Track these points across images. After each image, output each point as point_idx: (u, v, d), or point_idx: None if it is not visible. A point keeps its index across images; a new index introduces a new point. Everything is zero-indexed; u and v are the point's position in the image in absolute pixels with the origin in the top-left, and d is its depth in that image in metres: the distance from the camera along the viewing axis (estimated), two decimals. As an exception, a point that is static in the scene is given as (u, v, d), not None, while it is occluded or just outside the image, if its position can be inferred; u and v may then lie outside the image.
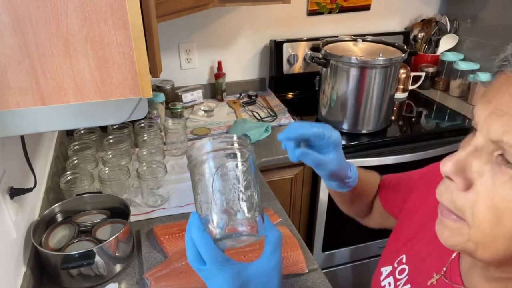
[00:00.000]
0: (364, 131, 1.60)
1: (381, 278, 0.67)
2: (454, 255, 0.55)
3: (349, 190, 0.73)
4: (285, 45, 1.89)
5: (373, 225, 0.85)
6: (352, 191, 0.73)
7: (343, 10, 2.00)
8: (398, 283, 0.62)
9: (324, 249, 1.75)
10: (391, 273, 0.65)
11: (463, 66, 1.91)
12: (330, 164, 0.65)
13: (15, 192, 0.86)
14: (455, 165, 0.40)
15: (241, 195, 0.49)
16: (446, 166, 0.40)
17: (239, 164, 0.50)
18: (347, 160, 0.69)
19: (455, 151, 0.42)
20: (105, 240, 0.90)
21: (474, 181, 0.40)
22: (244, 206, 0.49)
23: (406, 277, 0.61)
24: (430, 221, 0.62)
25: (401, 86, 1.92)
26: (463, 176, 0.40)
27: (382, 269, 0.68)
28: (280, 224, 1.12)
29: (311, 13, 1.97)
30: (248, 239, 0.50)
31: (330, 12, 1.99)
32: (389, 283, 0.64)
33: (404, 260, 0.64)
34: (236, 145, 0.51)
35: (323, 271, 1.02)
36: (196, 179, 0.51)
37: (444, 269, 0.55)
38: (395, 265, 0.65)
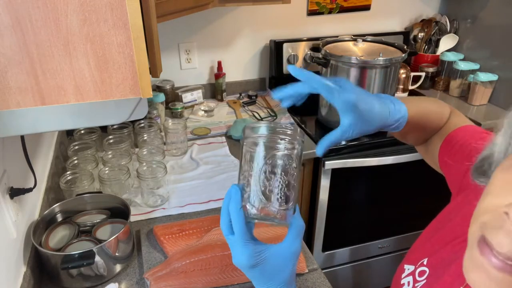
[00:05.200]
0: (364, 131, 1.60)
1: (402, 275, 0.66)
2: None
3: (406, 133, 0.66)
4: (285, 45, 1.89)
5: (422, 154, 0.79)
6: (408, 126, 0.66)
7: (343, 10, 2.00)
8: (416, 285, 0.62)
9: (324, 249, 1.75)
10: (412, 273, 0.64)
11: (463, 66, 1.91)
12: (352, 134, 0.58)
13: (15, 192, 0.86)
14: None
15: (283, 185, 0.52)
16: None
17: (289, 157, 0.53)
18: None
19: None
20: (105, 240, 0.90)
21: None
22: (283, 196, 0.52)
23: (425, 281, 0.60)
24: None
25: (401, 86, 1.92)
26: None
27: (405, 267, 0.67)
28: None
29: (311, 13, 1.97)
30: (275, 223, 0.55)
31: (330, 12, 1.99)
32: (408, 282, 0.63)
33: (425, 263, 0.63)
34: (290, 136, 0.53)
35: (323, 271, 1.02)
36: (246, 156, 0.54)
37: None
38: (417, 265, 0.64)
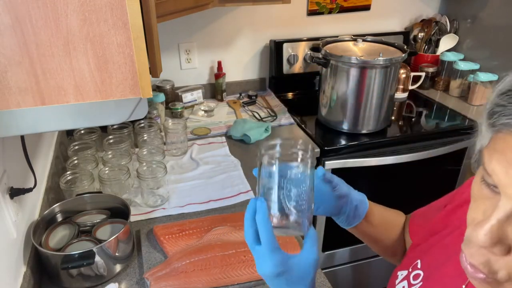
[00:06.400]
0: (364, 131, 1.60)
1: (397, 281, 0.66)
2: None
3: (371, 227, 0.76)
4: (285, 45, 1.89)
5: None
6: (374, 227, 0.77)
7: (343, 10, 2.00)
8: None
9: (324, 249, 1.75)
10: (406, 277, 0.65)
11: (463, 66, 1.91)
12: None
13: (15, 192, 0.86)
14: (491, 237, 0.38)
15: (300, 196, 0.56)
16: (482, 238, 0.38)
17: (303, 171, 0.57)
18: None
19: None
20: (105, 240, 0.90)
21: None
22: (300, 207, 0.56)
23: (421, 283, 0.61)
24: (448, 229, 0.62)
25: (401, 86, 1.92)
26: (501, 244, 0.38)
27: (399, 273, 0.67)
28: (280, 224, 1.12)
29: (311, 13, 1.97)
30: (294, 233, 0.58)
31: (330, 12, 1.99)
32: (403, 287, 0.64)
33: (419, 266, 0.63)
34: (303, 151, 0.57)
35: (323, 271, 1.02)
36: (264, 171, 0.58)
37: (464, 286, 0.54)
38: (410, 269, 0.64)
